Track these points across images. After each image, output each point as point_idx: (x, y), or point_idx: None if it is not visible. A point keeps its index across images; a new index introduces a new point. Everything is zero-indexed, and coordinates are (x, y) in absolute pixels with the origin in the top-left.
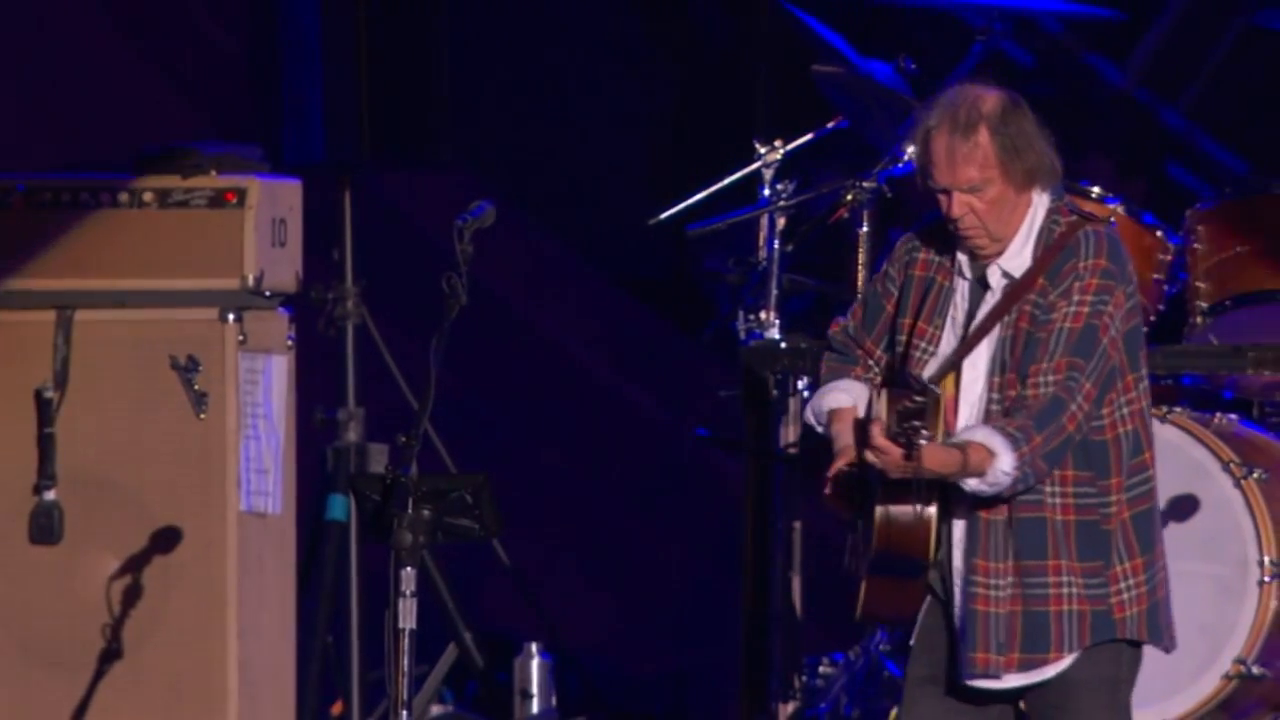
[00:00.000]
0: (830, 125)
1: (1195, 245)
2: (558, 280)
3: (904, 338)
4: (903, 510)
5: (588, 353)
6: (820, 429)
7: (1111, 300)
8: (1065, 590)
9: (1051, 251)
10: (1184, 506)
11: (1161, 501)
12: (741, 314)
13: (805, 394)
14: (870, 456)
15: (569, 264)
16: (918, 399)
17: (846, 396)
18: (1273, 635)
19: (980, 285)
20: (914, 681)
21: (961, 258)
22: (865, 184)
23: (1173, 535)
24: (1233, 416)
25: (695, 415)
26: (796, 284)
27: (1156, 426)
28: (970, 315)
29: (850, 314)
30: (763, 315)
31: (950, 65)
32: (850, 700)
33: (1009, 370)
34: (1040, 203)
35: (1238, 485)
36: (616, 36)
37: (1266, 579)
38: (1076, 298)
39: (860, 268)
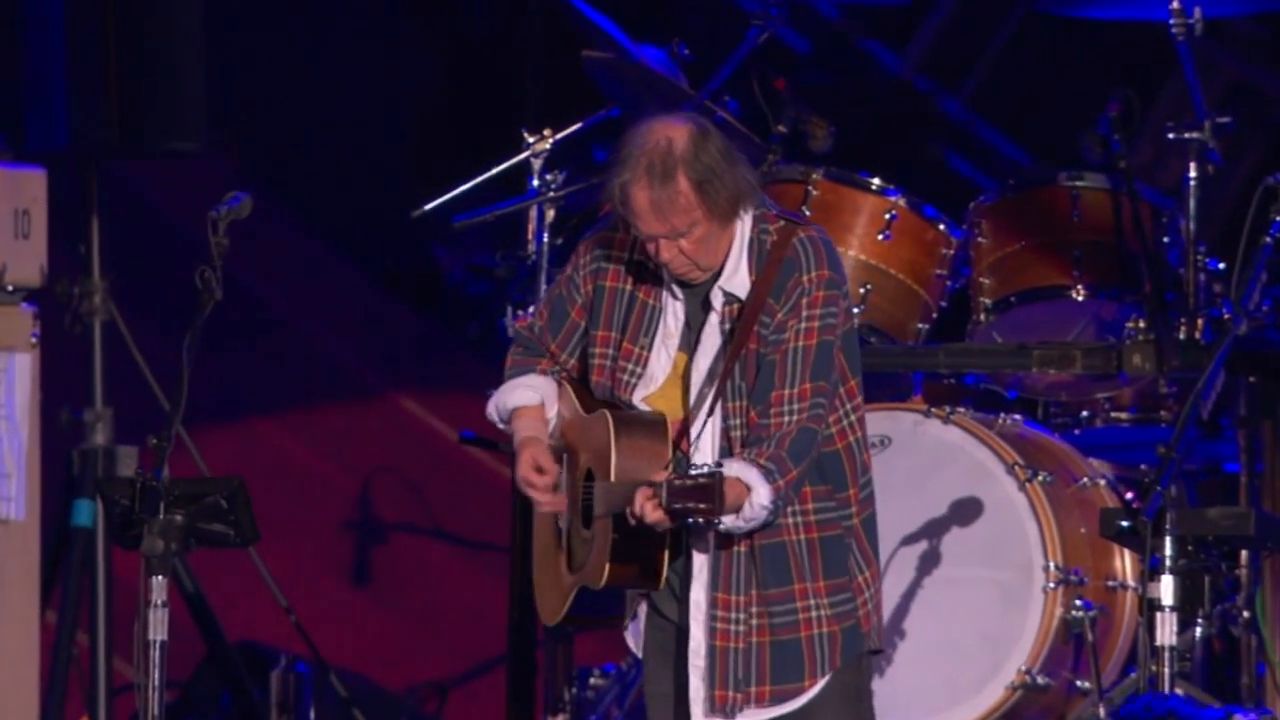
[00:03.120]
0: (601, 114)
1: (979, 239)
2: (317, 275)
3: (604, 351)
4: (638, 546)
5: (350, 352)
6: (501, 425)
7: (838, 310)
8: (814, 614)
9: (772, 266)
10: (966, 510)
11: (943, 506)
12: (509, 310)
13: None
14: (635, 512)
15: (329, 258)
16: (701, 480)
17: (534, 394)
18: (1057, 643)
19: (701, 308)
20: (656, 697)
21: (668, 276)
22: None
23: (955, 540)
24: (1017, 417)
25: (462, 417)
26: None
27: (939, 428)
28: (689, 335)
29: (536, 313)
30: (532, 311)
31: (725, 51)
32: (621, 713)
33: (743, 395)
34: (745, 220)
35: (1022, 488)
36: (379, 20)
37: (1051, 585)
38: (805, 314)
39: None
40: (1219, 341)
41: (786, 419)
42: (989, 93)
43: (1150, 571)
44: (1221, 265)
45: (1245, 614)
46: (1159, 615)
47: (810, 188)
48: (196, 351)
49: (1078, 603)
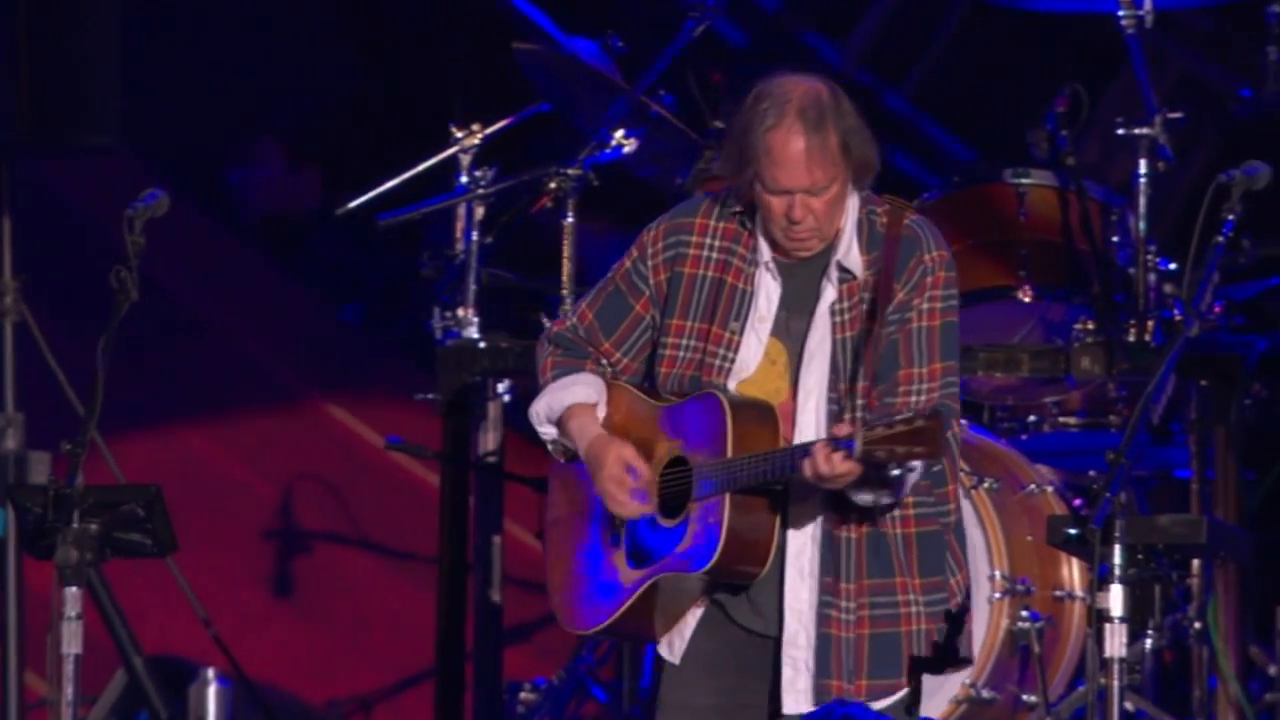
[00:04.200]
0: (532, 108)
1: None
2: (237, 274)
3: (678, 341)
4: (752, 524)
5: (271, 354)
6: (548, 425)
7: (957, 293)
8: (913, 609)
9: (891, 245)
10: None
11: None
12: (437, 311)
13: (506, 398)
14: (822, 470)
15: (250, 257)
16: (919, 424)
17: (592, 391)
18: (1003, 655)
19: (807, 286)
20: (690, 709)
21: (766, 255)
22: (570, 171)
23: None
24: (962, 422)
25: (389, 421)
26: (496, 279)
27: None
28: (785, 319)
29: (577, 314)
30: (460, 313)
31: (660, 43)
32: None
33: (858, 376)
34: (854, 197)
35: (967, 495)
36: (301, 13)
37: (998, 595)
38: (929, 293)
39: (565, 260)
40: (1170, 344)
41: (915, 398)
42: (933, 87)
43: (1099, 581)
44: (1173, 265)
45: (1197, 625)
46: (1108, 626)
47: None
48: (112, 354)
49: (1024, 613)
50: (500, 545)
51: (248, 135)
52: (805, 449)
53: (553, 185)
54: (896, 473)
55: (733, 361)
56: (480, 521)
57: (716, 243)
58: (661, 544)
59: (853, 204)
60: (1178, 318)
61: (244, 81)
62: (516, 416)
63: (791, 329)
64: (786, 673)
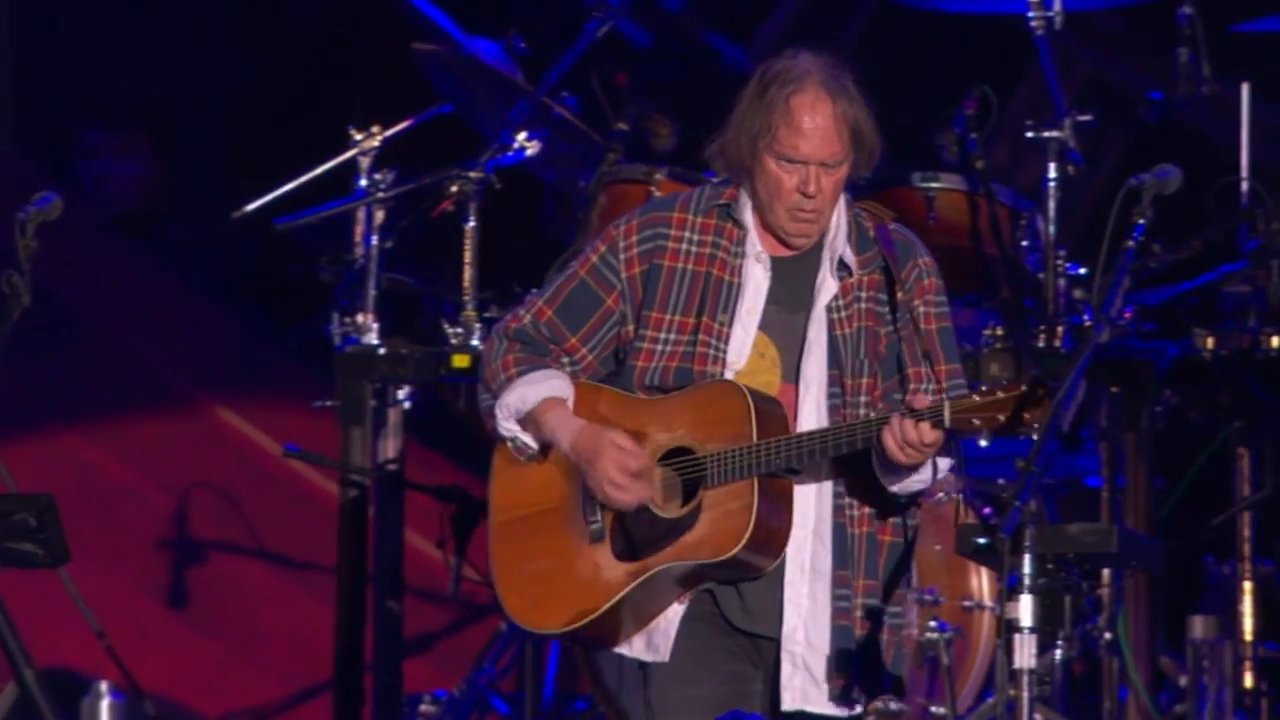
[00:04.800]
0: (433, 110)
1: None
2: (131, 279)
3: (658, 334)
4: (775, 512)
5: (165, 359)
6: (512, 422)
7: (947, 299)
8: (886, 619)
9: (888, 248)
10: None
11: None
12: (336, 317)
13: (406, 405)
14: (911, 436)
15: (144, 261)
16: (1001, 393)
17: (564, 385)
18: (911, 667)
19: (799, 278)
20: (688, 700)
21: (758, 247)
22: (472, 174)
23: None
24: None
25: (286, 428)
26: (396, 284)
27: None
28: (775, 312)
29: (533, 311)
30: (360, 318)
31: (564, 44)
32: None
33: (860, 372)
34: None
35: None
36: (196, 13)
37: None
38: (927, 297)
39: (467, 265)
40: (1080, 350)
41: (930, 394)
42: None
43: (1008, 591)
44: (1082, 270)
45: (1107, 635)
46: (1017, 637)
47: (653, 188)
48: (2, 360)
49: (932, 624)
50: (400, 555)
51: (138, 136)
52: (883, 420)
53: (454, 188)
54: (984, 443)
55: (725, 353)
56: (380, 531)
57: (696, 236)
58: (662, 534)
59: (844, 200)
60: (1088, 323)
61: (140, 83)
62: (417, 424)
63: (782, 323)
64: (785, 669)
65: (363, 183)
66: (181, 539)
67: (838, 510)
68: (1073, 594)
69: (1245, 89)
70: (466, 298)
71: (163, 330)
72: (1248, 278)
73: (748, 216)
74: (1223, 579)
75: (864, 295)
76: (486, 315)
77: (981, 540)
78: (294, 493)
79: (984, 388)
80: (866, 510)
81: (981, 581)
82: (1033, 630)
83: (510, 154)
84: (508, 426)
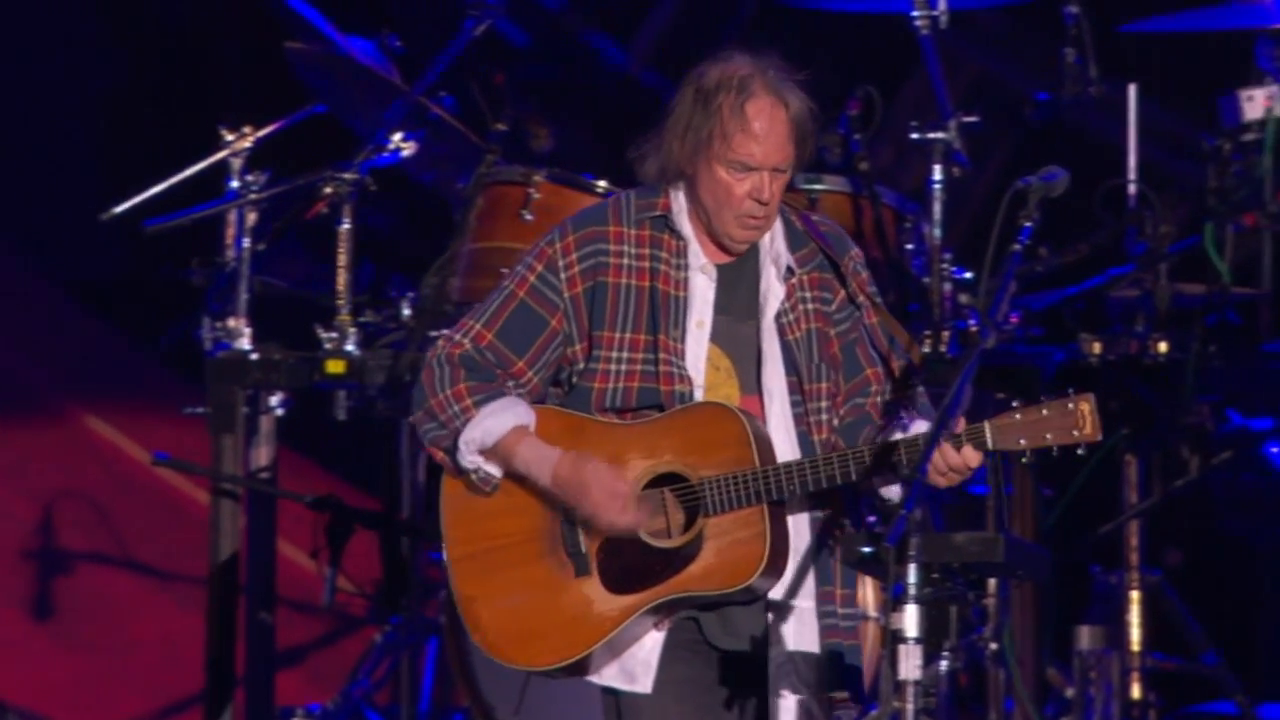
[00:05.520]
0: (306, 110)
1: None
2: None
3: (610, 354)
4: (781, 535)
5: (30, 365)
6: (476, 455)
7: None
8: (860, 626)
9: (823, 242)
10: None
11: None
12: (207, 321)
13: (279, 412)
14: (951, 466)
15: (7, 263)
16: (1070, 405)
17: (527, 413)
18: None
19: (744, 284)
20: None
21: (702, 259)
22: (346, 175)
23: None
24: None
25: (155, 436)
26: (269, 287)
27: None
28: (725, 322)
29: (471, 335)
30: (231, 323)
31: (441, 43)
32: None
33: (818, 376)
34: None
35: None
36: (63, 12)
37: None
38: (869, 290)
39: (341, 269)
40: (966, 355)
41: (884, 398)
42: None
43: (894, 601)
44: (968, 274)
45: (993, 646)
46: (902, 647)
47: (531, 190)
48: None
49: None
50: (272, 565)
51: (8, 138)
52: (911, 443)
53: (328, 190)
54: (1026, 460)
55: (681, 368)
56: (252, 541)
57: (634, 249)
58: (660, 565)
59: None
60: (974, 328)
61: (4, 83)
62: (291, 431)
63: (732, 332)
64: (778, 690)
65: (234, 184)
66: (48, 550)
67: (814, 524)
68: (959, 604)
69: (1132, 90)
70: (341, 302)
71: (28, 335)
72: (1135, 282)
73: (686, 226)
74: (1110, 589)
75: (808, 295)
76: (362, 320)
77: (866, 549)
78: (164, 502)
79: (1019, 404)
80: (847, 522)
81: (867, 591)
82: (918, 641)
83: (386, 155)
84: (471, 460)
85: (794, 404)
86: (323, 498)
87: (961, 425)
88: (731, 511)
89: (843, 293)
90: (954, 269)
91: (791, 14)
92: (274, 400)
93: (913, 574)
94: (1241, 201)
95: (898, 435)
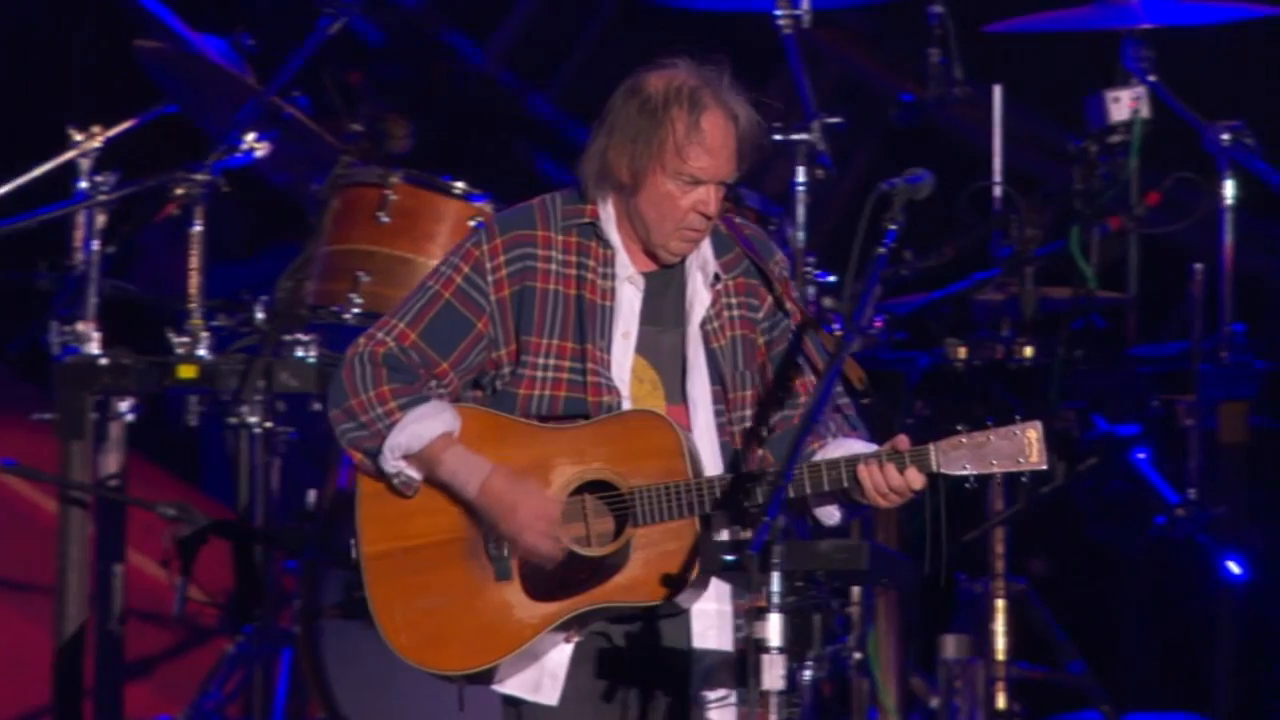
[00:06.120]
0: (157, 109)
1: None
2: None
3: (538, 361)
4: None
5: None
6: (400, 460)
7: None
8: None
9: (749, 245)
10: None
11: None
12: (55, 325)
13: (129, 418)
14: (892, 488)
15: None
16: (1015, 432)
17: (452, 419)
18: None
19: (669, 293)
20: None
21: (628, 269)
22: (197, 176)
23: None
24: None
25: (3, 443)
26: (119, 291)
27: None
28: (653, 333)
29: (394, 334)
30: (80, 327)
31: (294, 41)
32: None
33: (741, 385)
34: None
35: None
36: None
37: None
38: (795, 295)
39: (193, 272)
40: (830, 360)
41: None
42: (580, 89)
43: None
44: (832, 277)
45: (857, 655)
46: (765, 657)
47: (388, 192)
48: None
49: None
50: (122, 575)
51: None
52: (855, 461)
53: (179, 191)
54: (969, 485)
55: (608, 378)
56: (101, 549)
57: (561, 255)
58: (585, 574)
59: None
60: (838, 332)
61: None
62: (141, 438)
63: (658, 342)
64: (697, 693)
65: (83, 185)
66: None
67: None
68: (822, 613)
69: (998, 91)
70: (193, 305)
71: None
72: (1001, 286)
73: (614, 235)
74: (975, 597)
75: (734, 302)
76: (214, 324)
77: (729, 557)
78: (10, 510)
79: (964, 428)
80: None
81: None
82: (781, 650)
83: (239, 156)
84: (394, 465)
85: (717, 413)
86: (174, 505)
87: (905, 444)
88: (661, 523)
89: (770, 299)
90: (818, 272)
91: (653, 13)
92: (124, 406)
93: (776, 582)
94: (1107, 205)
95: (834, 452)
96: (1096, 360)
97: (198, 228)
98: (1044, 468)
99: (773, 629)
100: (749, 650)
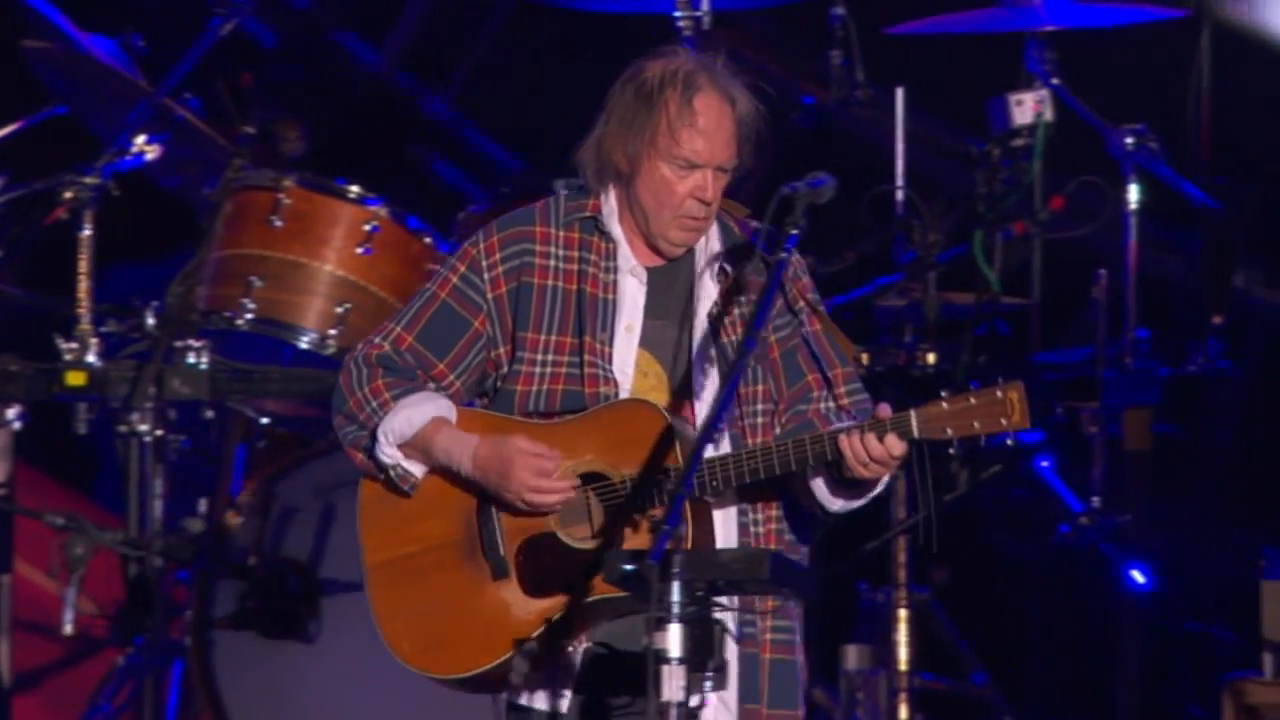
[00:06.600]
0: (45, 111)
1: None
2: None
3: (534, 357)
4: (706, 539)
5: None
6: (393, 447)
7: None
8: (798, 638)
9: (763, 245)
10: None
11: None
12: None
13: (16, 425)
14: (873, 457)
15: None
16: (986, 396)
17: (447, 406)
18: None
19: (675, 288)
20: None
21: (632, 261)
22: (87, 180)
23: None
24: None
25: None
26: (4, 295)
27: None
28: (656, 326)
29: (390, 338)
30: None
31: (185, 42)
32: None
33: (755, 380)
34: None
35: None
36: None
37: None
38: (809, 296)
39: (82, 276)
40: (730, 366)
41: (825, 405)
42: (477, 91)
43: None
44: None
45: None
46: (665, 668)
47: (282, 196)
48: None
49: None
50: (9, 586)
51: None
52: (836, 433)
53: (68, 195)
54: (952, 451)
55: (610, 371)
56: None
57: (561, 251)
58: (579, 567)
59: None
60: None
61: None
62: (28, 446)
63: (663, 337)
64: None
65: None
66: None
67: (742, 529)
68: (723, 623)
69: (900, 94)
70: (82, 311)
71: None
72: (903, 291)
73: (616, 228)
74: (877, 606)
75: (745, 299)
76: (103, 329)
77: (629, 567)
78: None
79: (947, 394)
80: (771, 528)
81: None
82: (682, 661)
83: (129, 158)
84: (389, 454)
85: (732, 406)
86: (63, 515)
87: (887, 413)
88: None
89: (782, 300)
90: None
91: (550, 13)
92: (11, 413)
93: (677, 592)
94: (1011, 209)
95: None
96: (1000, 366)
97: (87, 232)
98: (1027, 426)
99: (673, 639)
100: (648, 661)
